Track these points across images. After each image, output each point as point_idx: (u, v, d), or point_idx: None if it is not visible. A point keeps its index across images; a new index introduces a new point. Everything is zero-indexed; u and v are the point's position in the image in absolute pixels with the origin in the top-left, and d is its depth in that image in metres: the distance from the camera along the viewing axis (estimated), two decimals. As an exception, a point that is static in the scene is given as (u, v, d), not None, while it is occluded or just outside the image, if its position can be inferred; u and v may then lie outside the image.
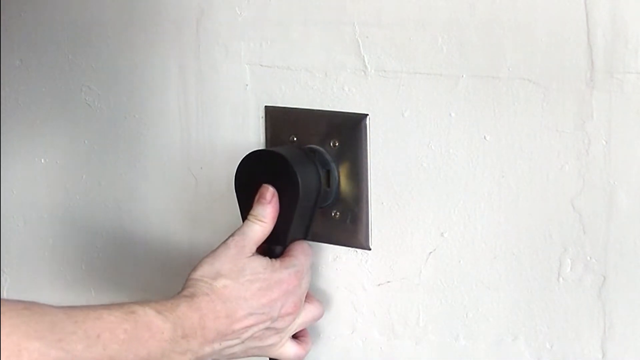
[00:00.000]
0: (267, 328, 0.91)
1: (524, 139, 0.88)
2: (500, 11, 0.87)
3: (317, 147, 0.97)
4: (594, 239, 0.86)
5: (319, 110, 0.97)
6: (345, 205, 0.97)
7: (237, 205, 0.96)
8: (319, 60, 0.97)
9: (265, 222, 0.92)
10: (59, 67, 1.15)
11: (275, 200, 0.93)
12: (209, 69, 1.04)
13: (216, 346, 0.88)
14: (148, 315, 0.83)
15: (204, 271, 0.90)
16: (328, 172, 0.96)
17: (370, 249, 0.98)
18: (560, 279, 0.88)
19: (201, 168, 1.06)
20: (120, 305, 0.83)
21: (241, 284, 0.90)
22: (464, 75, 0.89)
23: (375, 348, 0.99)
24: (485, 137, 0.90)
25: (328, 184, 0.97)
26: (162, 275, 1.12)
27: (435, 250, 0.94)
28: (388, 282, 0.97)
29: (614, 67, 0.83)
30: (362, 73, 0.95)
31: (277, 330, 0.92)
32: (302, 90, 0.98)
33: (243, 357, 0.92)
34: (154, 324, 0.83)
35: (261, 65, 1.00)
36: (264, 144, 1.01)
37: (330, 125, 0.96)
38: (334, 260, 1.00)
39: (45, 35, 1.15)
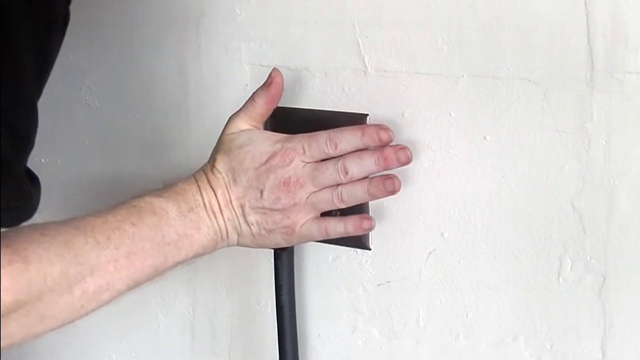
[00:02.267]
0: (262, 207, 0.90)
1: (524, 139, 0.88)
2: (501, 11, 0.87)
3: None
4: (594, 239, 0.86)
5: (319, 110, 0.97)
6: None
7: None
8: (319, 60, 0.97)
9: (255, 101, 0.93)
10: (59, 67, 1.14)
11: (274, 84, 0.92)
12: (209, 69, 1.04)
13: (231, 213, 0.90)
14: (149, 202, 0.87)
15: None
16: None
17: (370, 249, 0.98)
18: (560, 279, 0.88)
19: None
20: (123, 203, 0.87)
21: (230, 157, 0.91)
22: (464, 75, 0.89)
23: (375, 348, 0.99)
24: (485, 137, 0.90)
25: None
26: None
27: (435, 250, 0.94)
28: (388, 282, 0.97)
29: (614, 67, 0.83)
30: (362, 73, 0.95)
31: (272, 211, 0.91)
32: (302, 90, 0.98)
33: (270, 241, 0.93)
34: (157, 207, 0.87)
35: (261, 65, 1.00)
36: (264, 144, 1.01)
37: (330, 125, 0.96)
38: (334, 260, 1.00)
39: (45, 35, 1.15)
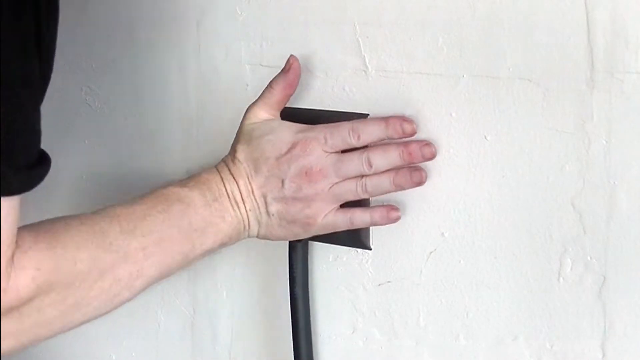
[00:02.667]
0: (283, 196, 0.90)
1: (524, 139, 0.88)
2: (501, 11, 0.87)
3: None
4: (594, 239, 0.86)
5: (320, 110, 0.97)
6: (345, 204, 0.97)
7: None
8: (319, 60, 0.97)
9: (273, 88, 0.94)
10: (59, 67, 1.14)
11: (292, 69, 0.93)
12: (209, 69, 1.04)
13: (253, 204, 0.91)
14: (174, 192, 0.89)
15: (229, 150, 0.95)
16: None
17: (370, 249, 0.98)
18: (560, 279, 0.88)
19: (201, 168, 1.06)
20: (147, 193, 0.89)
21: (251, 147, 0.92)
22: (464, 75, 0.90)
23: (375, 348, 0.99)
24: (485, 137, 0.90)
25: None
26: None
27: (435, 250, 0.94)
28: (388, 282, 0.97)
29: (614, 67, 0.83)
30: (363, 73, 0.95)
31: (293, 201, 0.91)
32: (302, 90, 0.98)
33: (293, 230, 0.93)
34: (183, 195, 0.89)
35: (261, 65, 1.00)
36: (264, 144, 1.01)
37: (330, 125, 0.96)
38: (335, 260, 1.00)
39: (46, 35, 1.15)
